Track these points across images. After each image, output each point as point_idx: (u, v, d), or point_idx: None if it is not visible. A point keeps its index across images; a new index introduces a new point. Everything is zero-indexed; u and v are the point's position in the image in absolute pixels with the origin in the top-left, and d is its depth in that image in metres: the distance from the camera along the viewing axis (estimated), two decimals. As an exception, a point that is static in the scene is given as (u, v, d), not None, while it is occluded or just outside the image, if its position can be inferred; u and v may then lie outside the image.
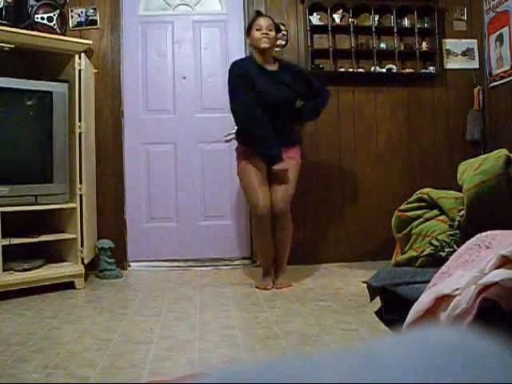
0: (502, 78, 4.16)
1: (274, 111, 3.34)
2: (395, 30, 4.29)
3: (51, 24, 3.60)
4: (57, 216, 3.60)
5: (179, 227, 4.34)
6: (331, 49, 4.22)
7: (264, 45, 3.40)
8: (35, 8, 3.52)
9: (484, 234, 1.36)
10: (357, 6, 4.25)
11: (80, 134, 3.60)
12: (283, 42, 4.22)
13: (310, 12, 4.25)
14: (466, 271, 1.24)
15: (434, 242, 1.78)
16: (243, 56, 4.33)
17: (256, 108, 3.31)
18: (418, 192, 2.06)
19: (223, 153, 4.28)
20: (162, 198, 4.33)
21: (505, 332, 0.42)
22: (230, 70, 3.46)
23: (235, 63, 3.49)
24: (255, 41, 3.44)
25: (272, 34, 3.44)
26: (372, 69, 4.29)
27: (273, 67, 3.49)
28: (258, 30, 3.42)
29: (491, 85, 4.32)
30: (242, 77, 3.37)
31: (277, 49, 3.66)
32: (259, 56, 3.46)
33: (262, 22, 3.44)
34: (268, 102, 3.32)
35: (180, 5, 4.42)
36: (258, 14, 3.60)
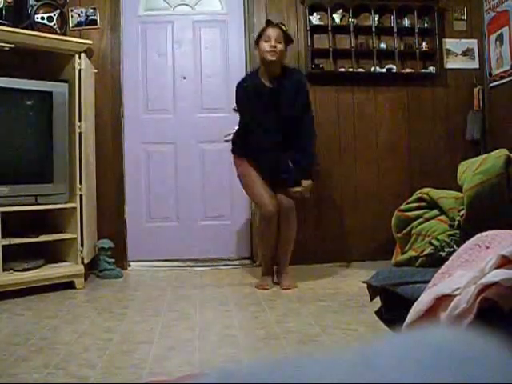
0: (502, 78, 4.16)
1: (271, 131, 3.33)
2: (395, 29, 4.29)
3: (51, 24, 3.60)
4: (57, 216, 3.60)
5: (179, 227, 4.34)
6: (331, 49, 4.22)
7: (271, 58, 3.30)
8: (35, 8, 3.52)
9: (484, 233, 1.36)
10: (357, 6, 4.25)
11: (80, 133, 3.60)
12: None
13: (310, 12, 4.25)
14: (466, 271, 1.24)
15: (434, 241, 1.78)
16: (242, 55, 4.34)
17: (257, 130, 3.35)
18: (417, 192, 2.06)
19: (223, 153, 4.28)
20: (162, 198, 4.33)
21: (505, 332, 0.42)
22: (235, 91, 3.47)
23: (238, 84, 3.46)
24: (263, 53, 3.33)
25: (280, 46, 3.32)
26: (372, 69, 4.29)
27: (274, 84, 3.38)
28: (266, 41, 3.32)
29: (491, 85, 4.32)
30: (243, 99, 3.40)
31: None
32: (265, 68, 3.37)
33: (271, 32, 3.32)
34: (265, 123, 3.32)
35: (180, 5, 4.42)
36: (268, 23, 3.44)
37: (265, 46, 3.32)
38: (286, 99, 3.36)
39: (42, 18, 3.56)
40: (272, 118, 3.34)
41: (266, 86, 3.38)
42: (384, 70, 4.30)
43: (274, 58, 3.31)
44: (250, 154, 3.42)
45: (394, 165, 4.39)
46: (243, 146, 3.47)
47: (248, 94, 3.38)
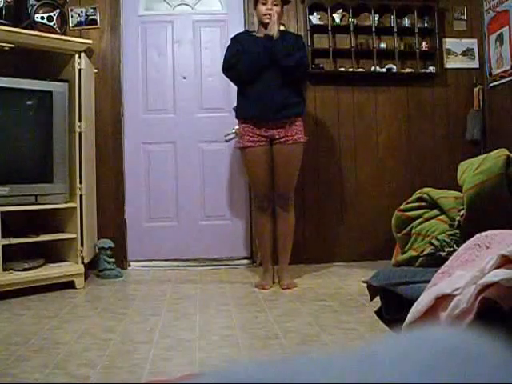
0: (502, 77, 4.16)
1: (265, 71, 3.32)
2: (395, 29, 4.29)
3: (51, 24, 3.60)
4: (57, 216, 3.59)
5: (179, 227, 4.34)
6: (331, 48, 4.22)
7: (267, 21, 3.38)
8: (35, 7, 3.52)
9: (484, 233, 1.36)
10: (357, 6, 4.25)
11: (80, 133, 3.60)
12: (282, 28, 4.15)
13: (310, 12, 4.25)
14: (466, 271, 1.24)
15: (434, 241, 1.78)
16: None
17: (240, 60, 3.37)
18: (417, 192, 2.06)
19: (223, 153, 4.29)
20: (162, 198, 4.33)
21: (505, 332, 0.42)
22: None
23: (233, 37, 3.57)
24: (259, 15, 3.43)
25: (276, 8, 3.38)
26: (372, 69, 4.29)
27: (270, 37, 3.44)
28: (263, 4, 3.38)
29: (491, 84, 4.32)
30: (232, 43, 3.50)
31: (282, 27, 3.60)
32: (262, 29, 3.44)
33: None
34: (255, 61, 3.32)
35: (180, 4, 4.42)
36: None
37: (262, 8, 3.39)
38: (283, 48, 3.35)
39: (42, 18, 3.56)
40: (267, 68, 3.33)
41: (262, 37, 3.42)
42: (384, 70, 4.30)
43: (269, 21, 3.38)
44: (250, 102, 3.40)
45: (394, 165, 4.39)
46: (243, 101, 3.47)
47: (242, 40, 3.46)
